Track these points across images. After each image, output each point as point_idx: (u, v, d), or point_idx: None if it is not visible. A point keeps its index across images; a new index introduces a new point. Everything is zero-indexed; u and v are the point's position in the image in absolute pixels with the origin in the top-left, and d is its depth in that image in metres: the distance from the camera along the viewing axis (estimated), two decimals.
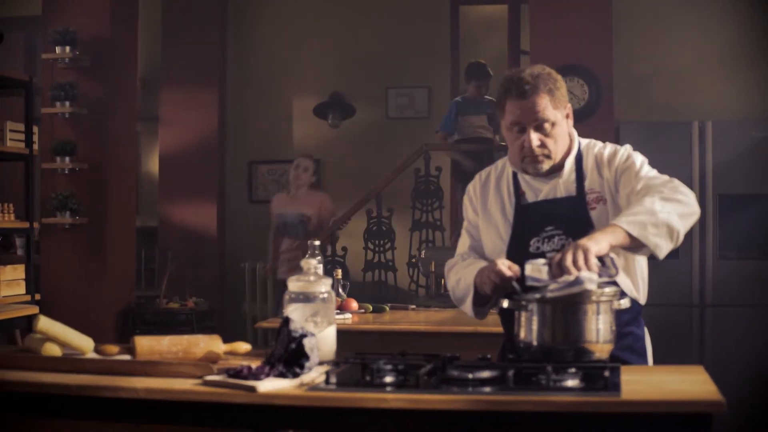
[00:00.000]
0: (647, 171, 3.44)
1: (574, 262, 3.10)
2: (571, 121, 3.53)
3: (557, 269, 3.13)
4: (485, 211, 3.67)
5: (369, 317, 5.84)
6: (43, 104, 7.97)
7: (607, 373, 2.97)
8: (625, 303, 3.23)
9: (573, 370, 3.03)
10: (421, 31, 10.16)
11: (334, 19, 10.43)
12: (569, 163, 3.53)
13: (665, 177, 3.41)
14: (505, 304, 3.28)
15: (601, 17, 7.61)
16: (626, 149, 3.53)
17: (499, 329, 5.21)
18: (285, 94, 10.53)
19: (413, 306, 6.28)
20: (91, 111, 7.96)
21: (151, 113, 10.23)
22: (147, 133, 10.42)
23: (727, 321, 7.11)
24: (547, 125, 3.43)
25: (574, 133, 3.57)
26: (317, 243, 6.20)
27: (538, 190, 3.57)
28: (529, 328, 3.19)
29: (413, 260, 8.65)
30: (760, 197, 7.13)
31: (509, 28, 9.87)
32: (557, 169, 3.52)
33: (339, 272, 6.00)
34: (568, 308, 3.15)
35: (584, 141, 3.61)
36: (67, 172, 7.89)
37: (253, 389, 2.94)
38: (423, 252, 7.26)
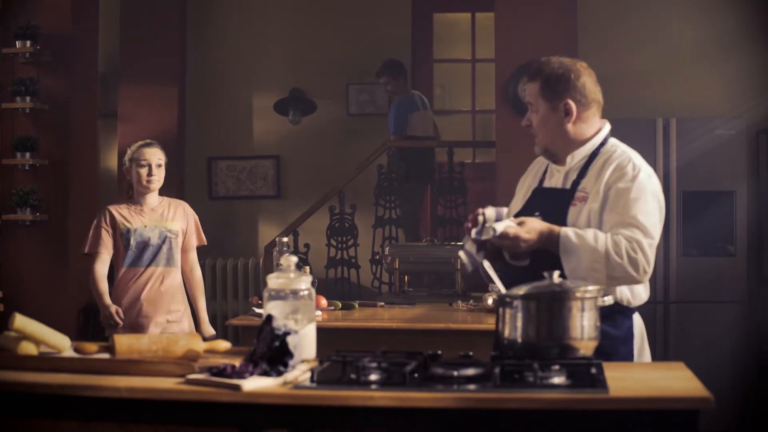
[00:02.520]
0: (635, 210, 3.49)
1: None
2: (569, 119, 3.63)
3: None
4: (522, 185, 3.89)
5: (338, 314, 5.82)
6: (3, 99, 7.86)
7: (593, 370, 2.97)
8: (608, 300, 3.24)
9: (557, 367, 3.04)
10: (381, 27, 10.14)
11: (294, 15, 10.38)
12: (571, 158, 3.68)
13: (639, 232, 3.47)
14: (490, 301, 3.29)
15: (565, 15, 7.64)
16: (636, 171, 3.57)
17: (472, 326, 5.25)
18: (245, 90, 10.47)
19: (381, 303, 6.26)
20: (52, 106, 7.86)
21: (110, 109, 10.13)
22: (106, 129, 10.30)
23: (690, 317, 7.15)
24: (532, 110, 3.66)
25: (586, 132, 3.68)
26: (285, 240, 6.21)
27: (551, 177, 3.75)
28: (513, 325, 3.19)
29: (377, 257, 8.64)
30: (723, 195, 7.18)
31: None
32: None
33: (307, 269, 5.97)
34: (552, 305, 3.15)
35: (611, 144, 3.70)
36: (27, 168, 7.78)
37: (237, 388, 2.92)
38: (387, 249, 7.22)
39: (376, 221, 8.85)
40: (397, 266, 6.90)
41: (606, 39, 8.75)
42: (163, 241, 5.73)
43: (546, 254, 3.49)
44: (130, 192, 5.86)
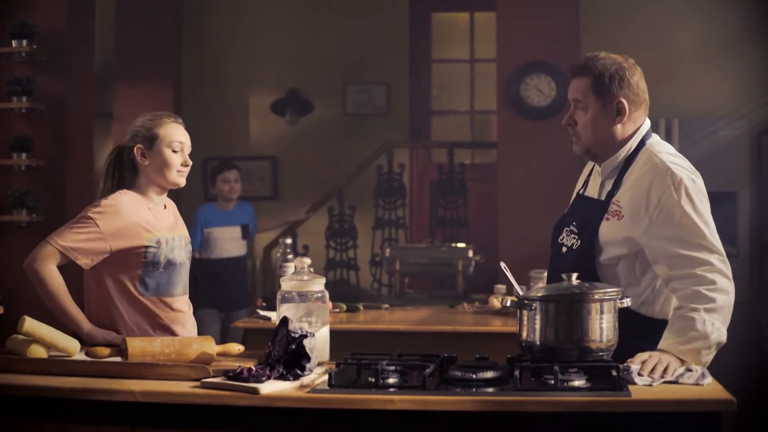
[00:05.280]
0: (681, 232, 3.39)
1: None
2: (621, 118, 3.45)
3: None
4: (575, 190, 3.75)
5: (343, 317, 5.78)
6: None
7: (614, 373, 2.94)
8: (627, 302, 3.20)
9: (574, 369, 3.01)
10: (379, 27, 10.10)
11: (290, 15, 10.33)
12: (606, 165, 3.51)
13: (700, 253, 3.38)
14: (509, 302, 3.24)
15: (568, 14, 7.59)
16: (678, 190, 3.38)
17: (480, 328, 5.22)
18: (241, 91, 10.42)
19: (386, 305, 6.21)
20: (48, 106, 7.79)
21: (105, 110, 10.06)
22: (101, 129, 10.24)
23: None
24: (579, 108, 3.47)
25: (629, 132, 3.49)
26: (289, 241, 6.16)
27: (592, 183, 3.62)
28: (532, 327, 3.15)
29: (377, 259, 8.59)
30: (725, 196, 7.14)
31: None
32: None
33: (311, 270, 5.92)
34: (571, 307, 3.12)
35: (648, 146, 3.49)
36: (23, 168, 7.71)
37: (255, 391, 2.88)
38: (387, 250, 7.18)
39: (375, 222, 8.80)
40: (397, 268, 6.87)
41: (608, 39, 8.69)
42: (188, 257, 3.94)
43: None
44: (136, 179, 3.93)
